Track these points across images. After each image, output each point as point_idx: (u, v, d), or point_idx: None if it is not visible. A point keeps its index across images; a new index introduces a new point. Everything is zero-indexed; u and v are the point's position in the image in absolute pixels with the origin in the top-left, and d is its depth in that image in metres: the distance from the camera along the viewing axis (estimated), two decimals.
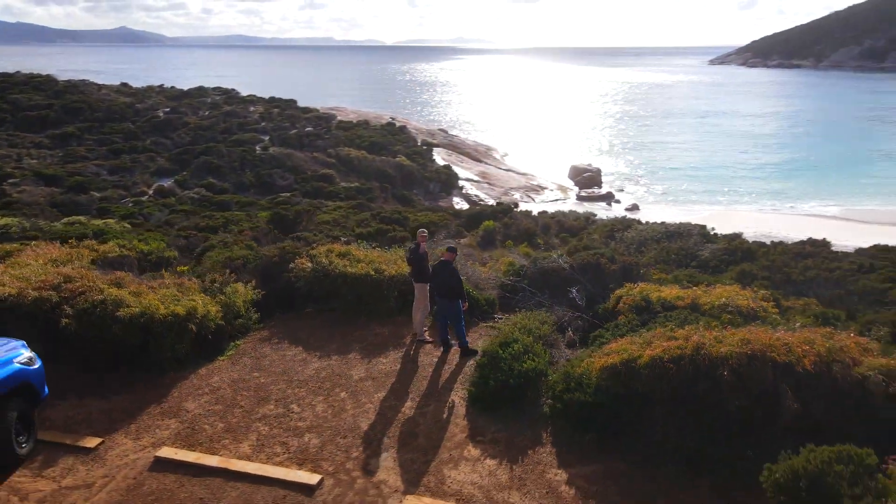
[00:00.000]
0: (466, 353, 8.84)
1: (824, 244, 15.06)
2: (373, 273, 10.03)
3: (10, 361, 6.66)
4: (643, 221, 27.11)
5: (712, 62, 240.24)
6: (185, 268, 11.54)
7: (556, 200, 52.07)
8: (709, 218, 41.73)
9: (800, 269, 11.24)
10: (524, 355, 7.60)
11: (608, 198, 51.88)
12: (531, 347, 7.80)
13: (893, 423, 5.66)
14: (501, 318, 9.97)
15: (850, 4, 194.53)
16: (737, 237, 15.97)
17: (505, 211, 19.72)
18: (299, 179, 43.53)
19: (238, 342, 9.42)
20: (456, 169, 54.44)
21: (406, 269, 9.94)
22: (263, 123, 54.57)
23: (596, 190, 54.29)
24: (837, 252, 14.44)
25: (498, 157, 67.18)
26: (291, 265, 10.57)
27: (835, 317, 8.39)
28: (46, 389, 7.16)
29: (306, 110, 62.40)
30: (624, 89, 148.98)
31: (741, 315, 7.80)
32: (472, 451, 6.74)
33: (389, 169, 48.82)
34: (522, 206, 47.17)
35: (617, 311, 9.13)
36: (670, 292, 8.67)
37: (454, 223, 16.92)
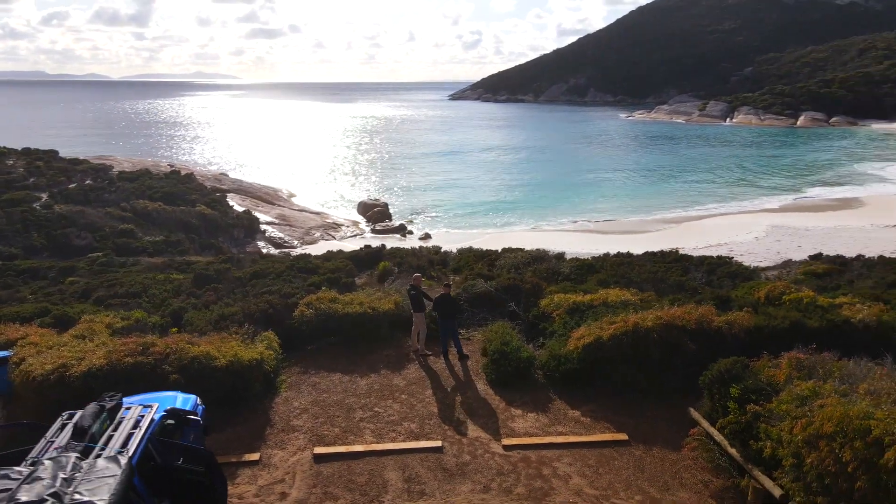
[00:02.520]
0: (463, 357, 12.53)
1: (628, 255, 21.44)
2: (369, 311, 13.17)
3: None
4: (451, 248, 32.46)
5: (452, 97, 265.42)
6: (176, 329, 13.36)
7: (355, 236, 55.80)
8: (490, 240, 49.01)
9: (635, 273, 16.82)
10: (520, 349, 11.59)
11: (401, 230, 56.36)
12: (520, 344, 11.81)
13: (735, 350, 10.73)
14: (462, 333, 13.77)
15: (554, 49, 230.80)
16: (560, 256, 21.60)
17: (376, 253, 23.22)
18: (99, 237, 41.73)
19: (283, 377, 11.88)
20: (255, 213, 55.62)
21: (391, 304, 13.25)
22: (33, 179, 50.22)
23: (388, 223, 58.91)
24: (632, 255, 20.84)
25: (285, 197, 69.21)
26: (295, 313, 13.19)
27: (677, 299, 13.66)
28: None
29: (76, 161, 58.35)
30: (380, 124, 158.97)
31: (631, 305, 12.65)
32: (516, 411, 10.53)
33: (192, 219, 48.67)
34: (323, 244, 50.33)
35: (545, 315, 13.52)
36: (583, 298, 13.30)
37: (348, 265, 20.02)
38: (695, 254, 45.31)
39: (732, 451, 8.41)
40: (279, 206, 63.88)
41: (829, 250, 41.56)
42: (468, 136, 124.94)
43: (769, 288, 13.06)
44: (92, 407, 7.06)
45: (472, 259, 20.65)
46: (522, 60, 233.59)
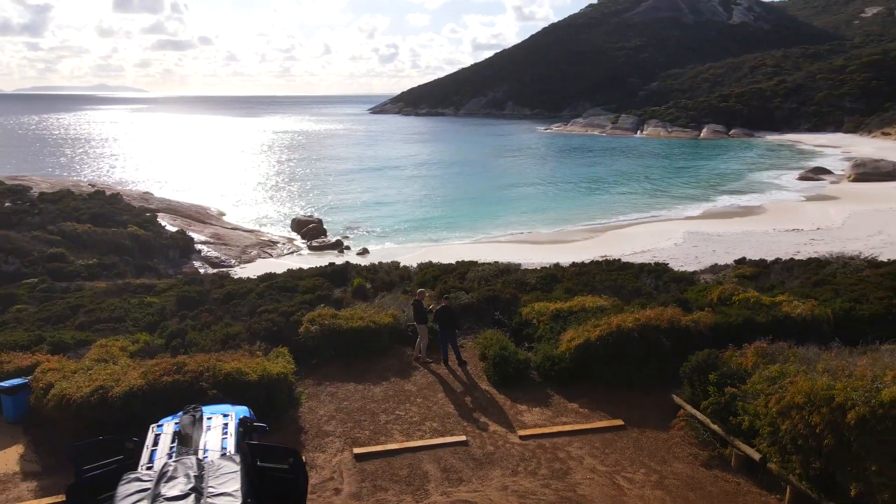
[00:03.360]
0: (462, 362, 13.85)
1: (583, 264, 23.47)
2: (371, 324, 14.28)
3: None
4: (393, 262, 33.62)
5: (373, 111, 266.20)
6: (175, 357, 14.00)
7: (292, 252, 55.77)
8: (428, 253, 50.35)
9: (597, 281, 18.66)
10: (517, 353, 13.04)
11: (338, 246, 56.49)
12: (515, 348, 13.27)
13: (701, 344, 12.57)
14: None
15: (472, 63, 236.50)
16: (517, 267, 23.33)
17: (342, 270, 24.12)
18: (28, 262, 40.20)
19: (300, 389, 12.80)
20: (189, 233, 54.74)
21: (389, 318, 14.43)
22: None
23: (325, 239, 59.06)
24: (585, 264, 22.88)
25: (215, 216, 68.23)
26: (300, 329, 14.13)
27: (645, 303, 15.48)
28: None
29: None
30: (303, 139, 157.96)
31: (607, 310, 14.36)
32: (521, 407, 11.96)
33: (125, 240, 47.57)
34: (262, 263, 50.30)
35: (527, 322, 15.06)
36: (563, 305, 14.91)
37: (324, 283, 20.89)
38: (625, 259, 48.43)
39: (715, 427, 10.16)
40: (211, 224, 62.99)
41: (740, 254, 45.43)
42: (394, 151, 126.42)
43: (720, 290, 15.13)
44: (188, 417, 8.01)
45: (436, 273, 21.99)
46: (440, 74, 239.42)
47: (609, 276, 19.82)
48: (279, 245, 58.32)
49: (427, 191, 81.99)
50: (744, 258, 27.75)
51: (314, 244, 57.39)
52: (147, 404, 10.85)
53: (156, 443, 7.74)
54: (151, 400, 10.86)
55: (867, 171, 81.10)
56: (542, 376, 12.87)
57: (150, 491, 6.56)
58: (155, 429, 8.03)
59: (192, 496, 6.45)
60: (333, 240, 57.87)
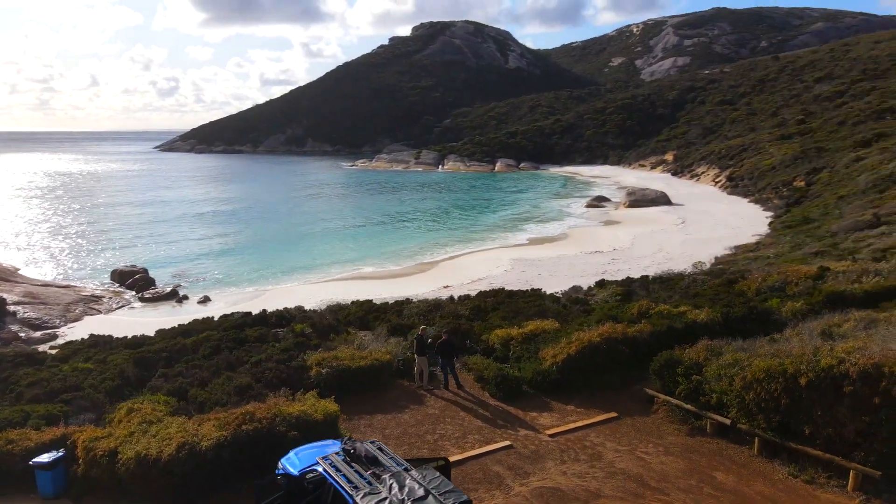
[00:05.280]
0: (460, 386, 16.18)
1: (493, 293, 26.75)
2: (375, 362, 16.04)
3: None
4: (235, 312, 34.09)
5: (161, 148, 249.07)
6: (186, 418, 14.62)
7: (122, 306, 52.02)
8: (275, 298, 50.43)
9: (524, 307, 21.85)
10: (511, 372, 15.76)
11: (174, 296, 53.32)
12: (505, 367, 15.99)
13: (645, 349, 16.32)
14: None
15: (267, 99, 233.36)
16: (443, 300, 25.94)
17: (261, 317, 24.71)
18: None
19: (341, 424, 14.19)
20: None
21: (387, 355, 16.36)
22: None
23: (157, 290, 55.55)
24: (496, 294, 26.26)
25: (13, 271, 60.97)
26: (311, 372, 15.45)
27: (580, 323, 18.97)
28: None
29: None
30: (83, 181, 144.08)
31: (562, 332, 17.64)
32: (532, 414, 14.68)
33: None
34: (90, 320, 46.70)
35: (492, 347, 17.87)
36: (519, 331, 17.90)
37: (269, 332, 21.61)
38: (466, 286, 52.46)
39: (689, 406, 13.83)
40: (18, 283, 56.34)
41: (564, 275, 52.16)
42: (198, 191, 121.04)
43: (639, 305, 19.29)
44: (360, 446, 9.81)
45: (376, 312, 23.97)
46: (229, 109, 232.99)
47: (524, 302, 23.35)
48: (105, 299, 53.89)
49: (245, 232, 79.96)
50: (603, 280, 33.11)
51: (146, 296, 53.73)
52: (233, 453, 11.77)
53: (337, 470, 9.37)
54: (237, 448, 11.80)
55: (637, 199, 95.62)
56: (534, 388, 15.73)
57: (387, 499, 8.43)
58: (323, 461, 9.61)
59: (430, 497, 8.48)
60: (167, 290, 54.56)
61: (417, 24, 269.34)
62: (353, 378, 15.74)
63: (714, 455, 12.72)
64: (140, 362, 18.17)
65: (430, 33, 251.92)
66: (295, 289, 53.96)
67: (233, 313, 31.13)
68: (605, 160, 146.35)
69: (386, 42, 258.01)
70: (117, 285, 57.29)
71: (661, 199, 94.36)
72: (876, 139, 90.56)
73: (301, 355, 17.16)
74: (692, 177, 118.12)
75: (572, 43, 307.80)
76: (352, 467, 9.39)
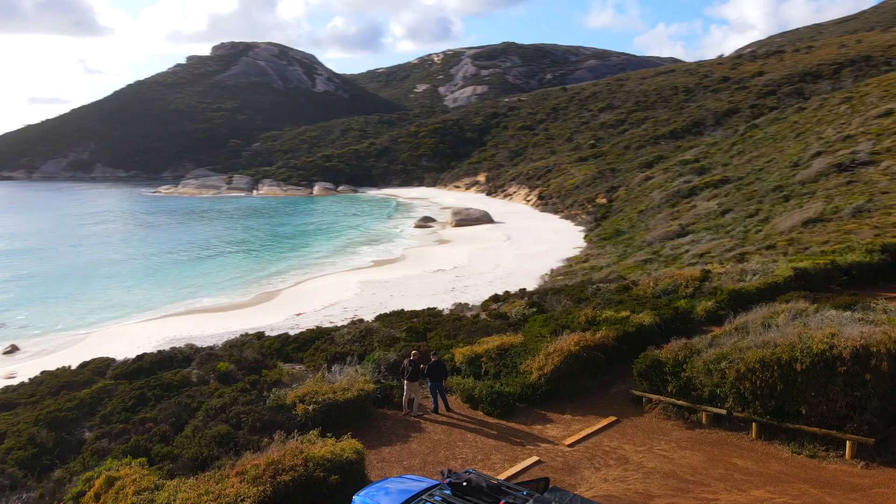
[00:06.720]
0: (449, 409, 15.60)
1: (433, 312, 25.80)
2: (361, 393, 14.90)
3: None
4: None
5: None
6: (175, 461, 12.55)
7: None
8: (98, 340, 45.04)
9: (466, 327, 21.53)
10: (502, 388, 15.58)
11: None
12: (497, 384, 15.79)
13: (611, 353, 17.10)
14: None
15: (43, 119, 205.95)
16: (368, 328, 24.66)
17: (180, 359, 21.72)
18: None
19: None
20: None
21: (371, 385, 15.32)
22: None
23: None
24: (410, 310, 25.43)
25: None
26: (296, 411, 13.94)
27: (540, 335, 19.24)
28: None
29: None
30: None
31: (525, 344, 17.81)
32: (537, 427, 14.63)
33: None
34: None
35: (457, 367, 17.57)
36: (483, 348, 17.78)
37: (189, 374, 18.92)
38: (317, 312, 50.64)
39: (682, 402, 14.75)
40: None
41: (414, 295, 52.65)
42: None
43: (585, 313, 20.13)
44: (468, 476, 9.31)
45: (286, 344, 22.29)
46: None
47: (456, 324, 23.25)
48: None
49: (44, 272, 70.19)
50: (497, 294, 33.84)
51: None
52: (279, 498, 10.29)
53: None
54: (282, 495, 10.32)
55: (463, 218, 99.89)
56: (524, 402, 15.70)
57: None
58: (430, 499, 8.98)
59: None
60: None
61: (217, 43, 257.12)
62: (340, 412, 14.50)
63: (721, 444, 13.69)
64: (53, 423, 15.04)
65: (231, 53, 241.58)
66: (125, 330, 48.52)
67: (91, 360, 27.18)
68: (420, 182, 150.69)
69: (183, 61, 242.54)
70: None
71: (485, 218, 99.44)
72: (657, 161, 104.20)
73: (265, 394, 15.44)
74: (505, 196, 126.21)
75: (377, 69, 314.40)
76: (468, 501, 8.79)
